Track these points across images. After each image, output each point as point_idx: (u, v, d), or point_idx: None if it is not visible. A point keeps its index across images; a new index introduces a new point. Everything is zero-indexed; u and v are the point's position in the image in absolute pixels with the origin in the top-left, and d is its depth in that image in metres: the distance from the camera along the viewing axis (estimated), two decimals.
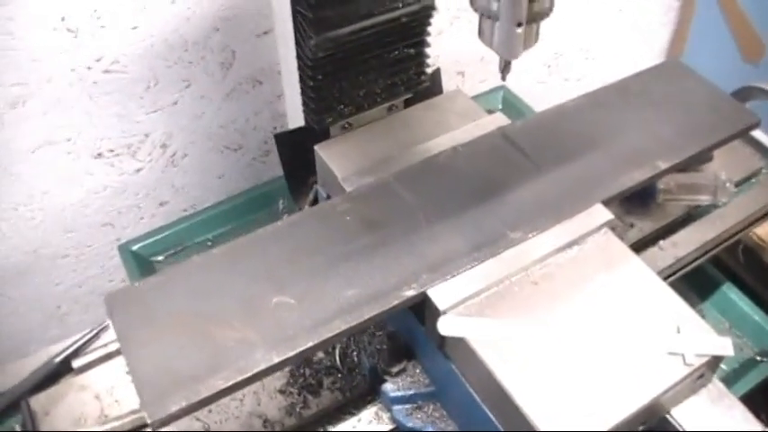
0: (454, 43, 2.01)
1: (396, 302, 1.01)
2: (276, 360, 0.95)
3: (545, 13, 1.00)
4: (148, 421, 0.90)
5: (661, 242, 1.44)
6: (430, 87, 1.47)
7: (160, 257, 1.65)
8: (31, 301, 1.86)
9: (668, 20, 2.60)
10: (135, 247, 1.64)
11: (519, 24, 0.96)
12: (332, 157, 1.31)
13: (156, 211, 1.87)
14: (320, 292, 1.03)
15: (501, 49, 1.00)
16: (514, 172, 1.22)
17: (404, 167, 1.24)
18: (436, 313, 1.02)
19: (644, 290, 1.07)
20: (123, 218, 1.83)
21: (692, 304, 1.05)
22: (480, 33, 1.03)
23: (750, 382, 1.38)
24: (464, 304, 1.04)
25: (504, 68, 1.09)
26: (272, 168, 1.92)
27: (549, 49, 2.37)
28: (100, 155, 1.67)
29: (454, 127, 1.36)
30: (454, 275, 1.05)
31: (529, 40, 1.00)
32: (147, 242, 1.65)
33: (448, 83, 1.58)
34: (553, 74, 2.44)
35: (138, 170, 1.75)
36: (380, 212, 1.15)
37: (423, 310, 1.07)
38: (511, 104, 1.93)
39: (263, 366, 0.94)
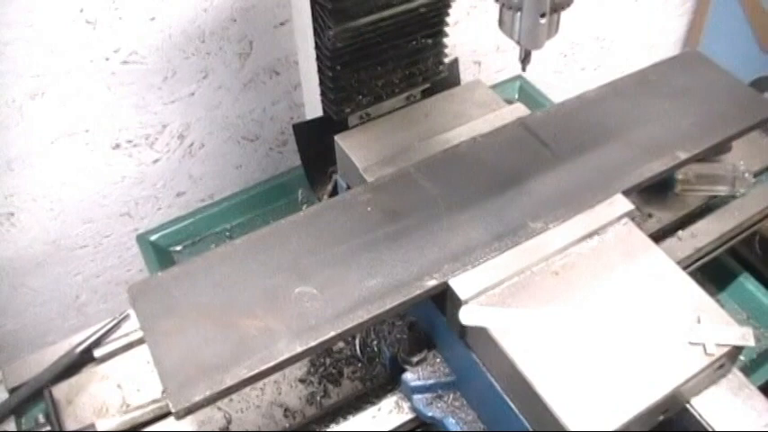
0: (471, 33, 2.00)
1: (418, 292, 1.02)
2: (299, 349, 0.96)
3: (566, 3, 0.99)
4: (173, 410, 0.91)
5: (680, 232, 1.44)
6: (447, 77, 1.47)
7: (178, 247, 1.66)
8: (50, 291, 1.87)
9: (685, 10, 2.59)
10: (153, 238, 1.65)
11: (542, 15, 0.96)
12: (352, 147, 1.31)
13: (174, 202, 1.88)
14: (342, 282, 1.03)
15: (525, 39, 1.00)
16: (535, 162, 1.22)
17: (425, 157, 1.24)
18: (458, 303, 1.03)
19: (664, 280, 1.07)
20: (141, 208, 1.84)
21: (709, 295, 1.05)
22: (501, 24, 1.03)
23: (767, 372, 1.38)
24: (485, 294, 1.04)
25: (525, 59, 1.09)
26: (289, 159, 1.93)
27: (565, 39, 2.36)
28: (118, 146, 1.68)
29: (474, 117, 1.36)
30: (475, 265, 1.06)
31: (551, 30, 1.00)
32: (164, 232, 1.66)
33: (464, 73, 1.58)
34: (569, 63, 2.43)
35: (156, 161, 1.76)
36: (402, 202, 1.15)
37: (444, 299, 1.07)
38: (527, 94, 1.92)
39: (286, 356, 0.95)
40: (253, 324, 0.99)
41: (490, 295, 1.04)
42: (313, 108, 1.46)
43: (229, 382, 0.92)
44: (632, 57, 2.58)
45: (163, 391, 0.94)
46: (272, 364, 0.94)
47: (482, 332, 1.01)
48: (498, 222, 1.12)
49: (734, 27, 2.45)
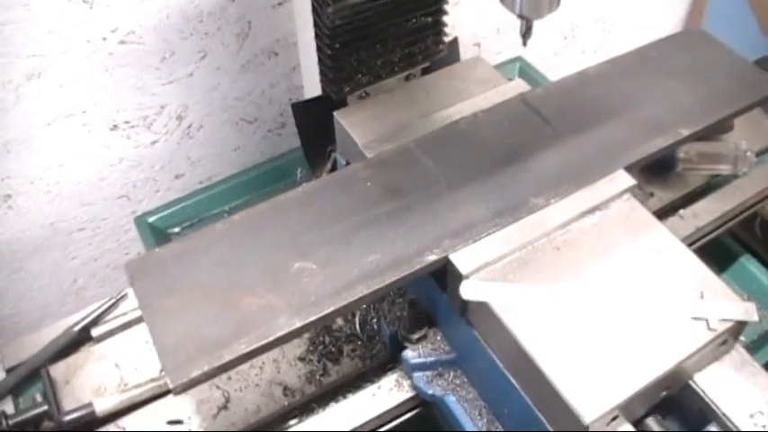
0: (471, 14, 1.99)
1: (418, 267, 1.01)
2: (298, 325, 0.95)
3: None
4: (171, 386, 0.90)
5: (681, 211, 1.43)
6: (447, 57, 1.46)
7: (176, 229, 1.66)
8: (48, 275, 1.86)
9: None
10: (151, 220, 1.64)
11: None
12: (352, 123, 1.30)
13: (172, 184, 1.87)
14: (342, 258, 1.03)
15: (526, 9, 0.99)
16: (536, 138, 1.21)
17: (425, 134, 1.23)
18: (459, 278, 1.02)
19: (667, 255, 1.06)
20: (139, 190, 1.83)
21: None
22: None
23: None
24: (486, 269, 1.03)
25: (526, 33, 1.08)
26: (288, 141, 1.92)
27: (565, 21, 2.35)
28: (115, 127, 1.67)
29: (474, 94, 1.36)
30: (476, 240, 1.05)
31: (552, 1, 0.99)
32: (163, 214, 1.65)
33: (464, 54, 1.57)
34: (569, 45, 2.41)
35: (154, 142, 1.75)
36: (402, 178, 1.14)
37: (444, 276, 1.06)
38: (527, 76, 1.91)
39: (285, 331, 0.94)
40: (252, 301, 0.98)
41: (491, 270, 1.03)
42: (311, 90, 1.45)
43: (228, 357, 0.92)
44: (633, 39, 2.56)
45: (161, 370, 0.93)
46: (270, 339, 0.94)
47: (483, 308, 1.01)
48: (499, 198, 1.11)
49: (735, 9, 2.44)
